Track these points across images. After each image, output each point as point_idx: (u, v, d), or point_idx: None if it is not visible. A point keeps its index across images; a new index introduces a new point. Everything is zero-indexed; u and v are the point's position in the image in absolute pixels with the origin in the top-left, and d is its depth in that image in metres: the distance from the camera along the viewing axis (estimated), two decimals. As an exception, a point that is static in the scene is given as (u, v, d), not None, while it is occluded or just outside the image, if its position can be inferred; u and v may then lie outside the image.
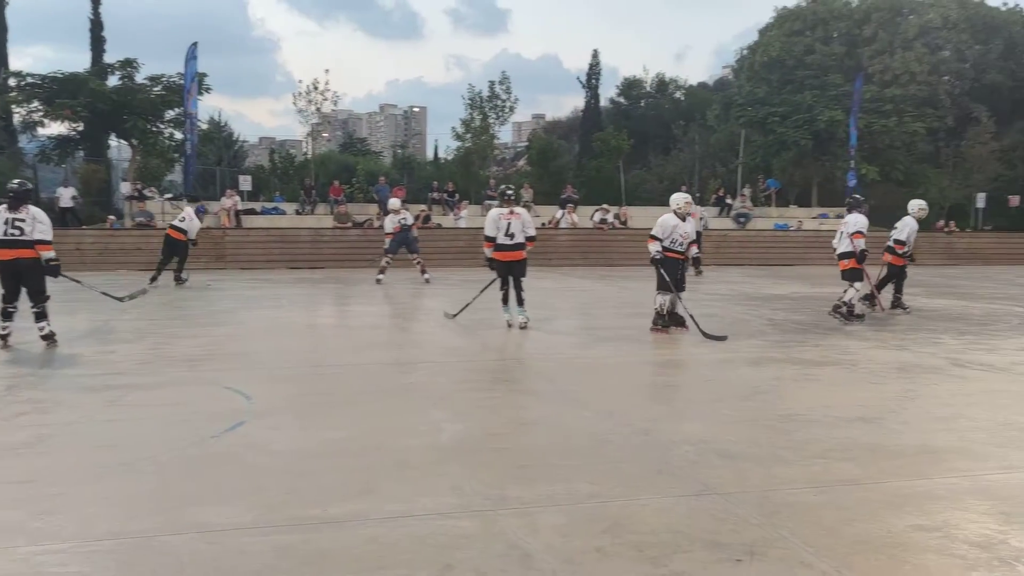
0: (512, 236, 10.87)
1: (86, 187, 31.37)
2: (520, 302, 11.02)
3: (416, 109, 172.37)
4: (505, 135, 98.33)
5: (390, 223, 18.10)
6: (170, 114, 32.64)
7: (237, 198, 28.15)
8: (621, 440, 5.68)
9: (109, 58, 35.61)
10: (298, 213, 28.85)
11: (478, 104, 35.77)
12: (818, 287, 17.23)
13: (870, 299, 12.87)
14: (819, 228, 28.09)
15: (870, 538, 4.02)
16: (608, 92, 70.12)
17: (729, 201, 31.65)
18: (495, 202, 28.98)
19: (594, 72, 62.90)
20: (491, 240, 10.86)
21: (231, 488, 4.72)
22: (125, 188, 28.34)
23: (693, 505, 4.46)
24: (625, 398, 7.00)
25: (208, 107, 71.36)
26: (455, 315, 11.86)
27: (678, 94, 66.53)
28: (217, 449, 5.49)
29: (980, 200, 33.18)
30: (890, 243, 13.33)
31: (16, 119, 32.42)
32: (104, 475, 4.93)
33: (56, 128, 32.33)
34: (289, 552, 3.85)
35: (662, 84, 67.35)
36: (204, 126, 45.06)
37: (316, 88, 32.99)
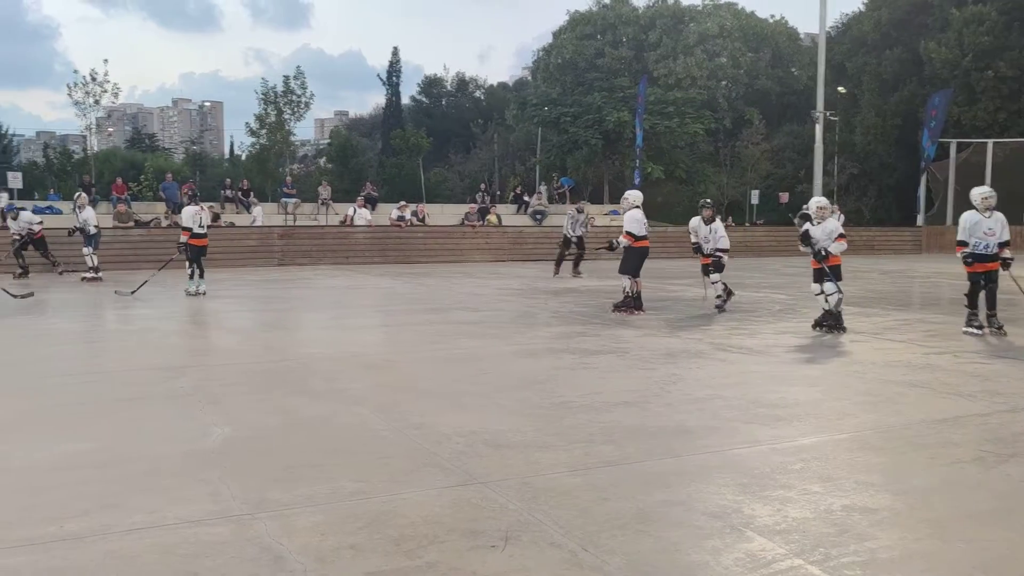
0: (204, 227, 15.02)
1: None
2: (202, 274, 14.77)
3: (208, 104, 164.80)
4: (307, 132, 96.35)
5: (93, 216, 18.11)
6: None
7: (4, 196, 25.94)
8: (393, 435, 5.66)
9: None
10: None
11: (272, 99, 34.73)
12: (605, 280, 17.98)
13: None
14: (610, 224, 29.27)
15: (619, 515, 4.20)
16: (411, 90, 70.08)
17: (526, 199, 32.48)
18: (292, 199, 28.43)
19: (395, 70, 62.78)
20: (188, 230, 14.68)
21: (-47, 512, 4.29)
22: None
23: (456, 495, 4.50)
24: (403, 394, 6.98)
25: (-29, 97, 65.28)
26: (133, 292, 14.48)
27: (478, 93, 67.60)
28: (-56, 470, 4.99)
29: (754, 196, 35.79)
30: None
31: None
32: None
33: None
34: (12, 575, 3.54)
35: (463, 83, 68.20)
36: (-37, 117, 41.16)
37: (94, 79, 30.90)
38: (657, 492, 4.55)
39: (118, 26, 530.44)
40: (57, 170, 38.44)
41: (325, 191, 30.17)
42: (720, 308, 12.47)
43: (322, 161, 60.32)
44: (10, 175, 30.24)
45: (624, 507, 4.32)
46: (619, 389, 7.12)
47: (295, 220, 27.64)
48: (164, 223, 25.19)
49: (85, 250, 17.89)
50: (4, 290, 14.18)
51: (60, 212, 27.09)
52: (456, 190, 46.90)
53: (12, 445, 5.47)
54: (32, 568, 3.60)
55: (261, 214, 27.00)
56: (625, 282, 12.14)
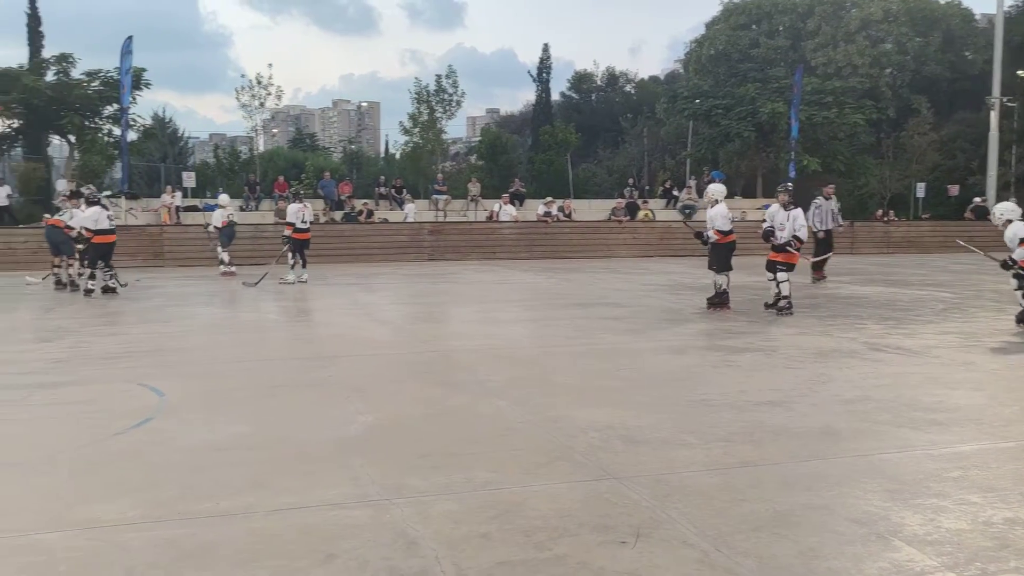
0: (307, 223, 16.52)
1: (25, 186, 30.71)
2: (304, 264, 16.32)
3: (365, 104, 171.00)
4: (459, 130, 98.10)
5: (219, 217, 18.37)
6: (109, 110, 31.91)
7: (179, 194, 27.83)
8: (528, 428, 5.69)
9: (49, 53, 34.67)
10: (242, 209, 28.52)
11: (425, 98, 35.55)
12: (754, 276, 17.42)
13: None
14: (762, 219, 28.35)
15: (756, 517, 4.07)
16: (561, 86, 70.02)
17: (676, 193, 31.94)
18: (443, 196, 29.08)
19: (545, 66, 62.87)
20: (292, 225, 16.25)
21: (125, 484, 4.63)
22: (61, 185, 27.75)
23: (588, 490, 4.48)
24: (541, 387, 7.01)
25: (154, 103, 70.23)
26: (256, 283, 15.66)
27: (628, 88, 66.93)
28: (118, 446, 5.40)
29: (920, 190, 33.80)
30: None
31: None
32: (-8, 474, 4.81)
33: (-10, 125, 31.59)
34: (171, 546, 3.78)
35: (612, 78, 67.69)
36: (147, 122, 44.29)
37: (259, 83, 32.55)
38: (798, 495, 4.38)
39: (284, 32, 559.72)
40: (225, 170, 40.73)
41: (475, 187, 30.69)
42: (782, 310, 11.42)
43: (472, 158, 61.35)
44: (184, 175, 32.38)
45: (761, 509, 4.18)
46: (763, 388, 6.90)
47: (445, 216, 28.26)
48: (322, 219, 26.27)
49: (216, 245, 18.61)
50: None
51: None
52: (604, 185, 46.62)
53: (181, 425, 5.86)
54: (188, 541, 3.84)
55: (413, 210, 27.75)
56: (721, 279, 12.21)
